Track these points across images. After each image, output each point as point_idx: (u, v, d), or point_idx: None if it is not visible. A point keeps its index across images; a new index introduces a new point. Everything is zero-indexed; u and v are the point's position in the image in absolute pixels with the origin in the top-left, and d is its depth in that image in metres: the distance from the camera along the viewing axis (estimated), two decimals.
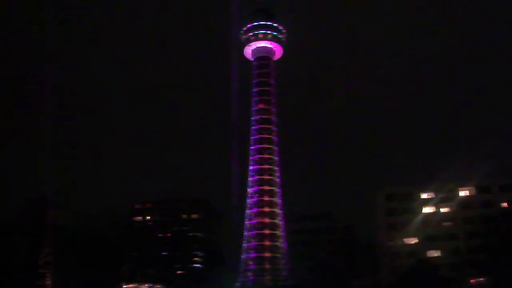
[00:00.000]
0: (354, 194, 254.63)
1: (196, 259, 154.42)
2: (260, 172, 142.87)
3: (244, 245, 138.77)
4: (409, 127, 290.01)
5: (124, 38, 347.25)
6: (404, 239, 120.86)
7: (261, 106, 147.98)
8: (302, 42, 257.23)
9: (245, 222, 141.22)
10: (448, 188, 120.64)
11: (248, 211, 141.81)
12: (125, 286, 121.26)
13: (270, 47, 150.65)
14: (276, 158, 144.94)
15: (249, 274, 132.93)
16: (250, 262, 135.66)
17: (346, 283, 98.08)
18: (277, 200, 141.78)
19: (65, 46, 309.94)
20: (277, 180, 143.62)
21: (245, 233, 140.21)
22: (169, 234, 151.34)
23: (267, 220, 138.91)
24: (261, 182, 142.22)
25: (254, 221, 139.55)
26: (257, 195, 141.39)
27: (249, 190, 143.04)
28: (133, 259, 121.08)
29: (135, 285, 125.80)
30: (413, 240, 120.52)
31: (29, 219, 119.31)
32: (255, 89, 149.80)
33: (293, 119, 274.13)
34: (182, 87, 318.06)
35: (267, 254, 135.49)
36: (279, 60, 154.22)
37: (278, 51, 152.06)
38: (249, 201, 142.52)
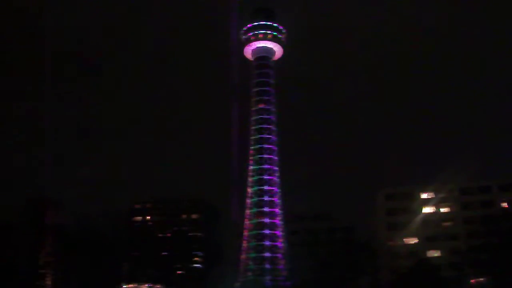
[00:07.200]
0: (354, 194, 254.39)
1: (196, 259, 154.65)
2: (260, 172, 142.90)
3: (244, 245, 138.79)
4: (410, 127, 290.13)
5: (123, 38, 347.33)
6: (404, 239, 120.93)
7: (261, 106, 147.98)
8: (302, 42, 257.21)
9: (245, 222, 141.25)
10: (448, 188, 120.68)
11: (248, 211, 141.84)
12: (125, 286, 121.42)
13: (270, 47, 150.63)
14: (276, 158, 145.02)
15: (249, 274, 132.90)
16: (250, 262, 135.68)
17: (346, 283, 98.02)
18: (277, 200, 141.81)
19: (66, 46, 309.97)
20: (277, 180, 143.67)
21: (245, 233, 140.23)
22: (169, 234, 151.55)
23: (267, 220, 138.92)
24: (261, 182, 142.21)
25: (254, 221, 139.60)
26: (257, 195, 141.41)
27: (249, 190, 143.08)
28: (133, 259, 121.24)
29: (135, 285, 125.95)
30: (413, 240, 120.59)
31: (29, 219, 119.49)
32: (255, 89, 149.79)
33: (293, 119, 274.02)
34: (182, 87, 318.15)
35: (267, 254, 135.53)
36: (279, 60, 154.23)
37: (278, 51, 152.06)
38: (249, 201, 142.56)
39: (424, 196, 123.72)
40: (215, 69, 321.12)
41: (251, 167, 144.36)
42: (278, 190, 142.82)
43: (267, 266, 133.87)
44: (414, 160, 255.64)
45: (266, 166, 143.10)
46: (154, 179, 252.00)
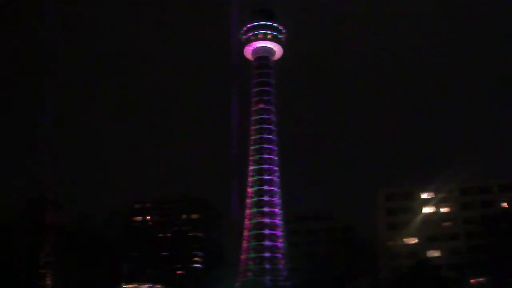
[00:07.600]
0: (354, 194, 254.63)
1: (196, 259, 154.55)
2: (260, 172, 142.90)
3: (244, 245, 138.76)
4: (410, 127, 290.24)
5: (123, 38, 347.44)
6: (404, 239, 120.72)
7: (261, 106, 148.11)
8: (302, 42, 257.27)
9: (245, 222, 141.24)
10: (448, 188, 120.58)
11: (248, 211, 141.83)
12: (125, 286, 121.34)
13: (270, 47, 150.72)
14: (276, 158, 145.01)
15: (249, 274, 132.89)
16: (250, 262, 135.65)
17: (346, 283, 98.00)
18: (277, 200, 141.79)
19: (64, 46, 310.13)
20: (277, 180, 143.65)
21: (245, 233, 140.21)
22: (169, 234, 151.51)
23: (267, 220, 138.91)
24: (261, 182, 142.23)
25: (254, 221, 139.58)
26: (257, 195, 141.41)
27: (249, 190, 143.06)
28: (133, 259, 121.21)
29: (135, 285, 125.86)
30: (413, 240, 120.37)
31: (29, 219, 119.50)
32: (255, 89, 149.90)
33: (293, 119, 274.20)
34: (182, 87, 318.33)
35: (267, 254, 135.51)
36: (279, 60, 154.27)
37: (278, 51, 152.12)
38: (249, 201, 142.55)
39: (424, 196, 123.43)
40: (215, 69, 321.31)
41: (251, 167, 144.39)
42: (278, 190, 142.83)
43: (267, 266, 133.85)
44: (414, 160, 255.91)
45: (266, 166, 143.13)
46: (154, 179, 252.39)
